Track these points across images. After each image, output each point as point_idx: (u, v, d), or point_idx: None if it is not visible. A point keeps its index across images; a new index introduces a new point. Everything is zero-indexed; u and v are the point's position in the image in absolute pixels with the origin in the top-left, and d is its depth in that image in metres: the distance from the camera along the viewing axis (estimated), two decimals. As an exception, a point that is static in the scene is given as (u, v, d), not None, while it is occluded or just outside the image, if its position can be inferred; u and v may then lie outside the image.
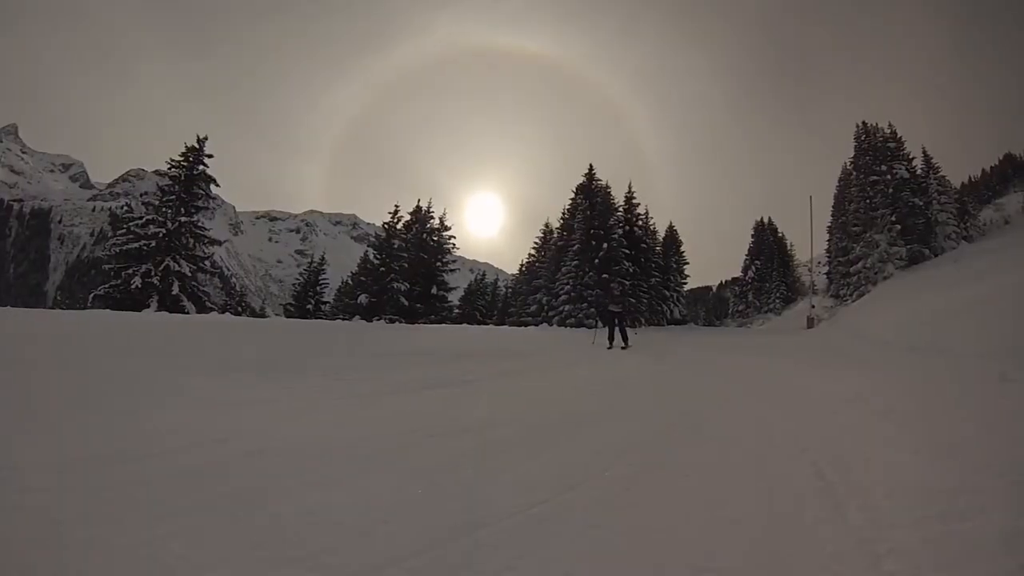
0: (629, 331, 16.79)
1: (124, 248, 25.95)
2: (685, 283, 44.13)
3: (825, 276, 54.82)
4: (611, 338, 16.29)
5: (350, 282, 36.65)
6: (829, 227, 53.53)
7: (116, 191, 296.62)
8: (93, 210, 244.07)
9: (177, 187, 27.13)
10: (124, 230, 26.77)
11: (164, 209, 26.66)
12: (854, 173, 41.01)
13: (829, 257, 54.15)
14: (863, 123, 40.09)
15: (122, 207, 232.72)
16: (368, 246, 36.56)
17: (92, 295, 26.30)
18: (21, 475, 3.56)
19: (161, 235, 25.82)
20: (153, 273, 25.24)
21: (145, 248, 25.68)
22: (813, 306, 36.59)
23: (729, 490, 3.77)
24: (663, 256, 41.72)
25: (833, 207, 52.16)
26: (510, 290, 52.39)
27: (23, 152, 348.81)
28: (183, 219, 26.45)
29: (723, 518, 3.31)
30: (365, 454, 4.55)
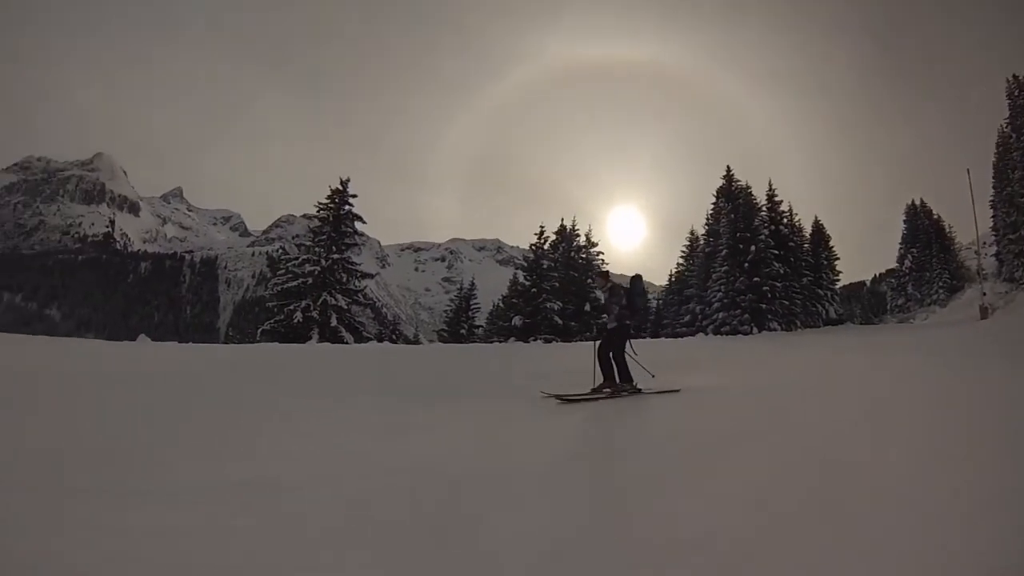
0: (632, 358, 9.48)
1: (284, 286, 28.21)
2: (838, 280, 41.69)
3: (994, 258, 49.01)
4: (606, 375, 9.21)
5: (502, 305, 37.46)
6: (992, 201, 47.84)
7: (271, 236, 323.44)
8: (252, 255, 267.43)
9: (327, 227, 29.16)
10: (283, 270, 29.11)
11: (317, 248, 28.71)
12: (1013, 136, 36.95)
13: (996, 236, 48.69)
14: (1014, 77, 36.00)
15: (277, 250, 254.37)
16: (516, 269, 37.46)
17: (260, 330, 28.79)
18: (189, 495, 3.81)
19: (317, 272, 27.81)
20: (312, 308, 27.21)
21: (303, 285, 27.76)
22: (984, 293, 33.09)
23: None
24: (812, 253, 39.77)
25: (994, 178, 46.87)
26: (660, 302, 51.60)
27: (189, 210, 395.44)
28: (335, 256, 28.38)
29: None
30: (536, 476, 4.49)
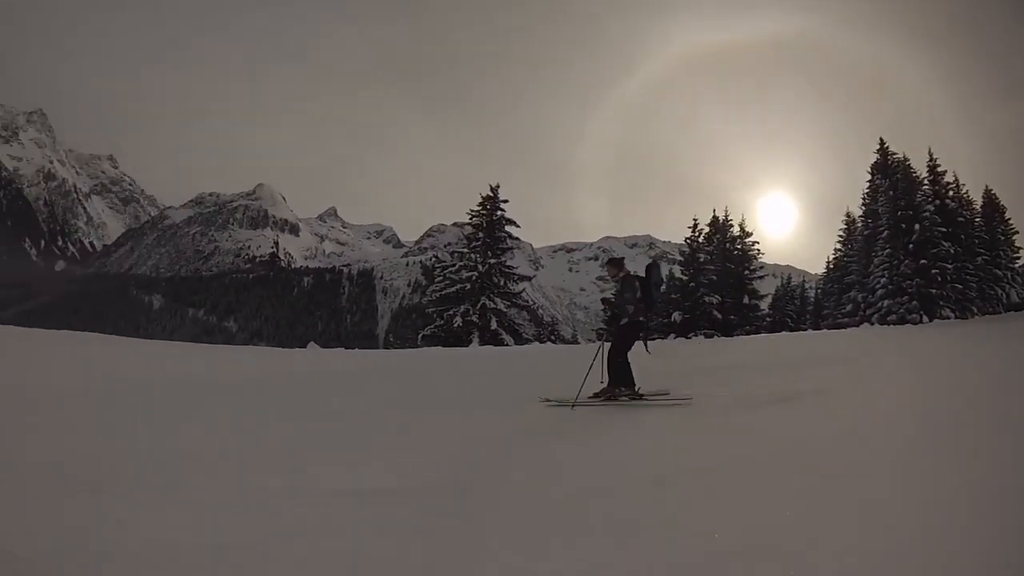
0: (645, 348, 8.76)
1: (443, 292, 29.30)
2: (1018, 258, 36.96)
3: None
4: (610, 376, 8.27)
5: (660, 301, 37.04)
6: None
7: (423, 246, 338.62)
8: (407, 265, 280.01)
9: (481, 233, 29.97)
10: (441, 277, 30.23)
11: (473, 255, 29.61)
12: None
13: None
14: None
15: (430, 259, 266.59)
16: (669, 264, 36.79)
17: (420, 335, 30.03)
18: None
19: (474, 278, 28.65)
20: (471, 312, 28.07)
21: (462, 291, 28.71)
22: None
23: None
24: (985, 229, 35.86)
25: None
26: (819, 291, 48.52)
27: (344, 227, 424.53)
28: (492, 261, 29.13)
29: None
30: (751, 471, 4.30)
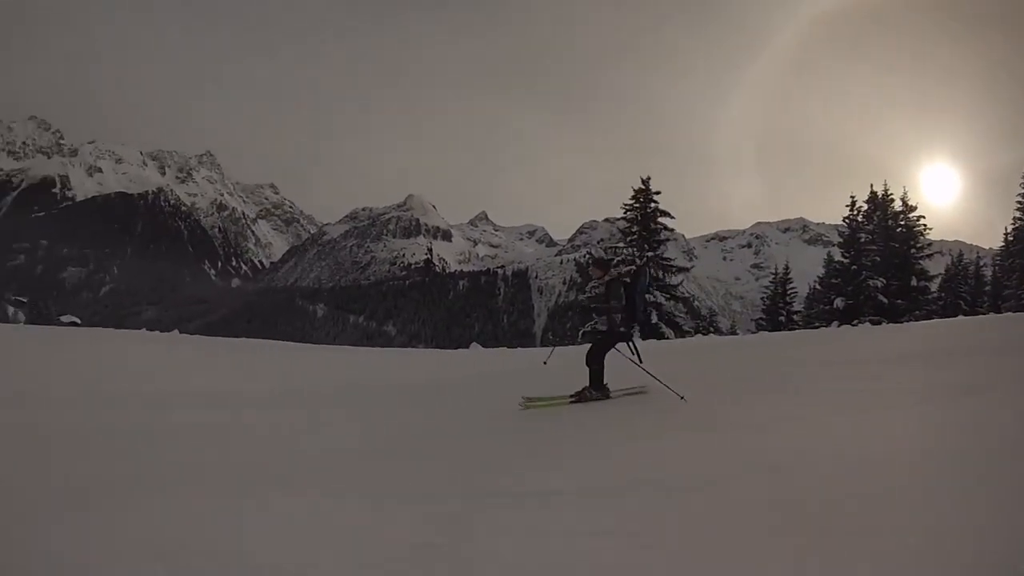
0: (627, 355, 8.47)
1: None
2: None
3: None
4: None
5: (819, 287, 35.00)
6: None
7: (576, 244, 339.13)
8: (561, 263, 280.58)
9: (636, 227, 29.99)
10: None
11: (629, 248, 29.68)
12: None
13: None
14: None
15: (584, 256, 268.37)
16: (826, 246, 34.73)
17: (580, 332, 30.40)
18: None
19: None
20: (632, 306, 28.14)
21: (621, 285, 28.85)
22: None
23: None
24: None
25: None
26: (996, 268, 42.96)
27: (496, 230, 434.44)
28: (649, 254, 29.09)
29: None
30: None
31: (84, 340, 16.52)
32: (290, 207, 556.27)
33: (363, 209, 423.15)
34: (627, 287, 8.19)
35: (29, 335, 18.16)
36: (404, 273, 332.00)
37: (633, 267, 8.01)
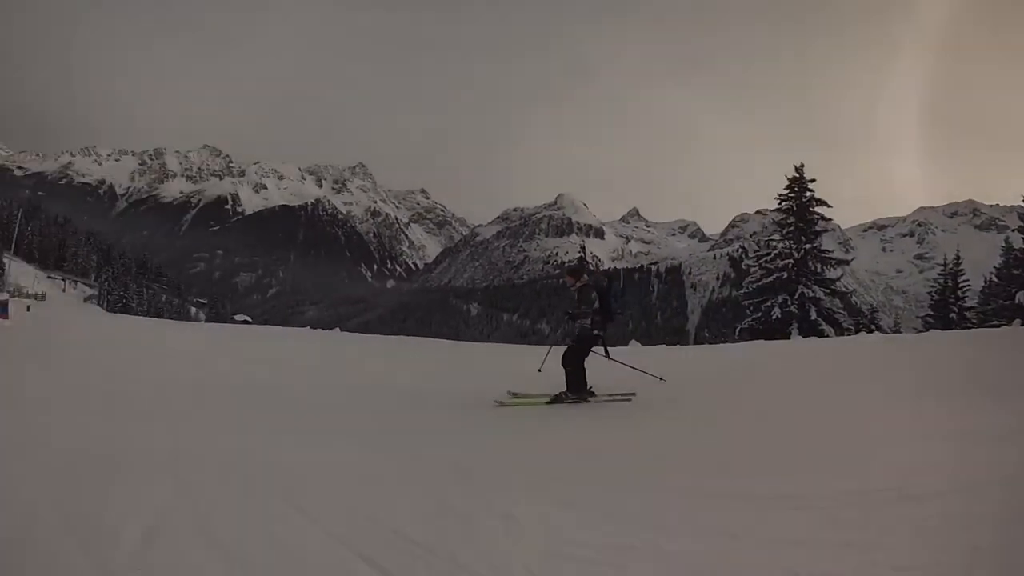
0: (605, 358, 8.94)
1: (759, 284, 28.41)
2: None
3: None
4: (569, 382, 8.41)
5: (995, 279, 31.03)
6: None
7: (728, 238, 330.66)
8: (714, 258, 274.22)
9: (791, 218, 28.45)
10: (756, 267, 29.32)
11: (786, 241, 28.24)
12: None
13: None
14: None
15: (737, 250, 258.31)
16: (1001, 232, 30.73)
17: (738, 329, 29.44)
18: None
19: (790, 265, 27.36)
20: (790, 302, 26.81)
21: (778, 280, 27.56)
22: None
23: None
24: None
25: None
26: None
27: (648, 227, 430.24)
28: (807, 247, 27.53)
29: None
30: None
31: (266, 336, 18.69)
32: (441, 210, 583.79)
33: (514, 209, 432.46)
34: (600, 291, 8.60)
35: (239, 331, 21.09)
36: (557, 271, 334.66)
37: (605, 272, 8.42)
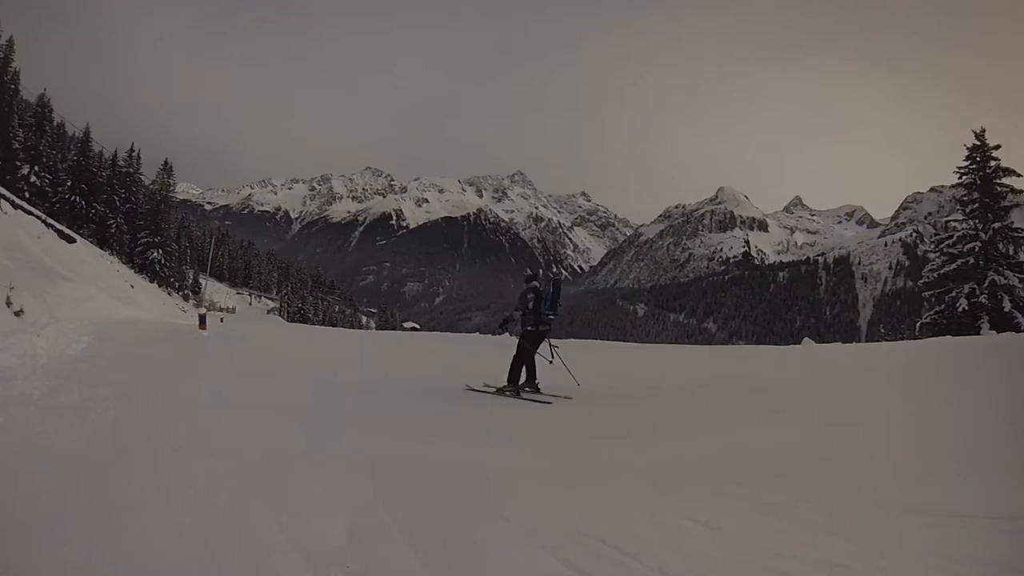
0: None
1: (940, 272, 24.63)
2: None
3: None
4: (528, 375, 9.34)
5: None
6: None
7: (900, 221, 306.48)
8: (885, 245, 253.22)
9: (976, 193, 24.43)
10: (936, 253, 25.53)
11: (969, 220, 24.30)
12: None
13: None
14: None
15: (910, 235, 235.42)
16: None
17: (918, 323, 25.77)
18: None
19: (976, 249, 23.42)
20: (978, 292, 22.98)
21: (962, 267, 23.76)
22: None
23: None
24: None
25: None
26: None
27: (812, 215, 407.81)
28: (995, 226, 23.45)
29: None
30: None
31: (438, 340, 21.92)
32: (604, 212, 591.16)
33: (676, 207, 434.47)
34: (538, 295, 9.46)
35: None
36: (723, 268, 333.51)
37: (555, 277, 10.41)
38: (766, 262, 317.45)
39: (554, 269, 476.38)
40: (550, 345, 9.68)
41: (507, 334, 14.67)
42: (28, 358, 8.31)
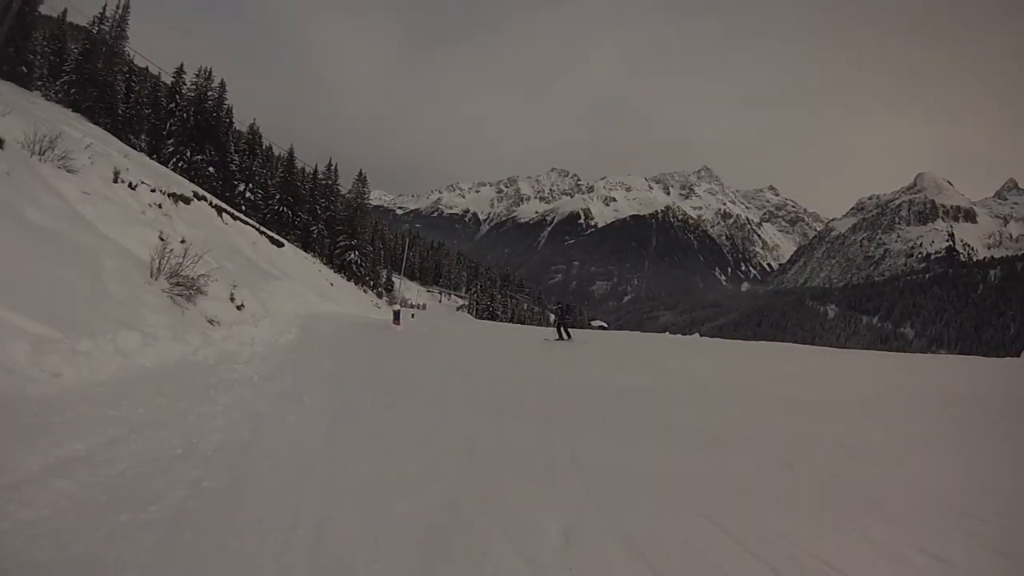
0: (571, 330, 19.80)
1: None
2: None
3: None
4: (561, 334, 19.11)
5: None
6: None
7: None
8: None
9: None
10: None
11: None
12: None
13: None
14: None
15: None
16: None
17: None
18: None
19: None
20: None
21: None
22: None
23: None
24: None
25: None
26: None
27: None
28: None
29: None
30: None
31: (623, 341, 22.05)
32: (792, 206, 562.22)
33: (869, 198, 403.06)
34: (563, 309, 20.91)
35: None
36: (923, 266, 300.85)
37: (568, 306, 21.07)
38: (974, 258, 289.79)
39: (742, 267, 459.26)
40: (564, 330, 18.91)
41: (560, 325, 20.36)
42: (248, 346, 9.64)
